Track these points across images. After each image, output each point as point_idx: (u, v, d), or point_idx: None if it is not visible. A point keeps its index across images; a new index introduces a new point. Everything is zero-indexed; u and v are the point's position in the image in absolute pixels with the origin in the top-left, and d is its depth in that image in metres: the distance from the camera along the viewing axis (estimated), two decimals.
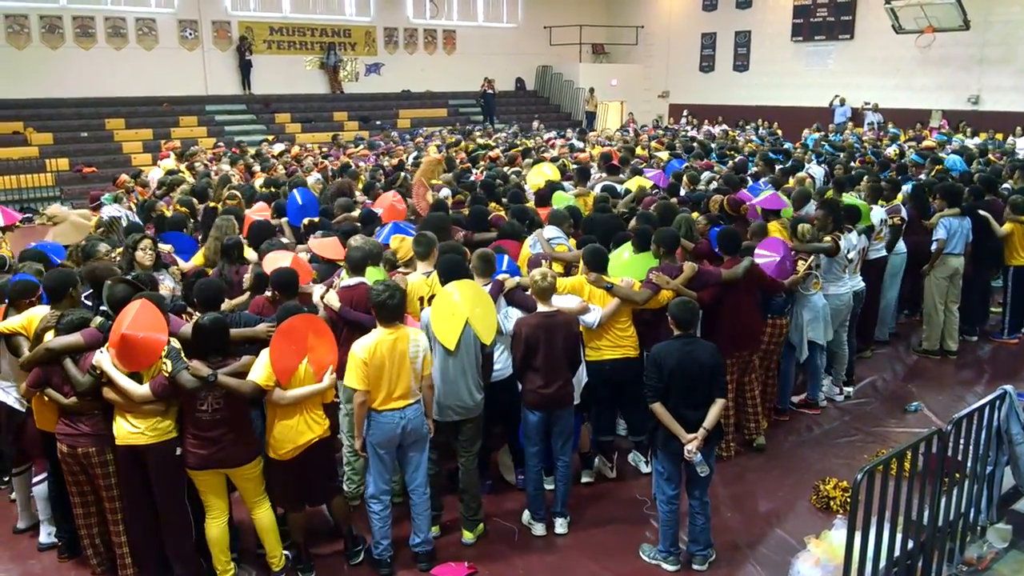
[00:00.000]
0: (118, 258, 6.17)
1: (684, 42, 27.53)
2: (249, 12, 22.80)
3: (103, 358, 4.42)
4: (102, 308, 5.07)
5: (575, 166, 11.81)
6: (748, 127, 21.70)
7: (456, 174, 11.26)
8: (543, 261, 6.06)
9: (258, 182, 11.06)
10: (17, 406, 5.05)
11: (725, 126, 21.99)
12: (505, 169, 11.89)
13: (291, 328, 4.57)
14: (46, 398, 4.60)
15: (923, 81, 21.56)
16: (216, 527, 4.65)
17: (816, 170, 11.52)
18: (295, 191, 8.42)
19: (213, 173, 11.74)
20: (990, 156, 13.51)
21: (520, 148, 14.64)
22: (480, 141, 17.23)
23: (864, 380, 7.86)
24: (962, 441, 4.60)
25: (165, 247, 6.77)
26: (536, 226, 7.02)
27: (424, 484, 4.92)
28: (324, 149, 16.71)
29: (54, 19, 19.93)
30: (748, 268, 6.05)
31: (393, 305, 4.63)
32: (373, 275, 5.55)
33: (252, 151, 15.30)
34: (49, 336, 4.61)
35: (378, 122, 22.12)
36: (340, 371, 4.80)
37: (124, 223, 8.06)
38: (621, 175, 10.53)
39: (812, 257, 6.64)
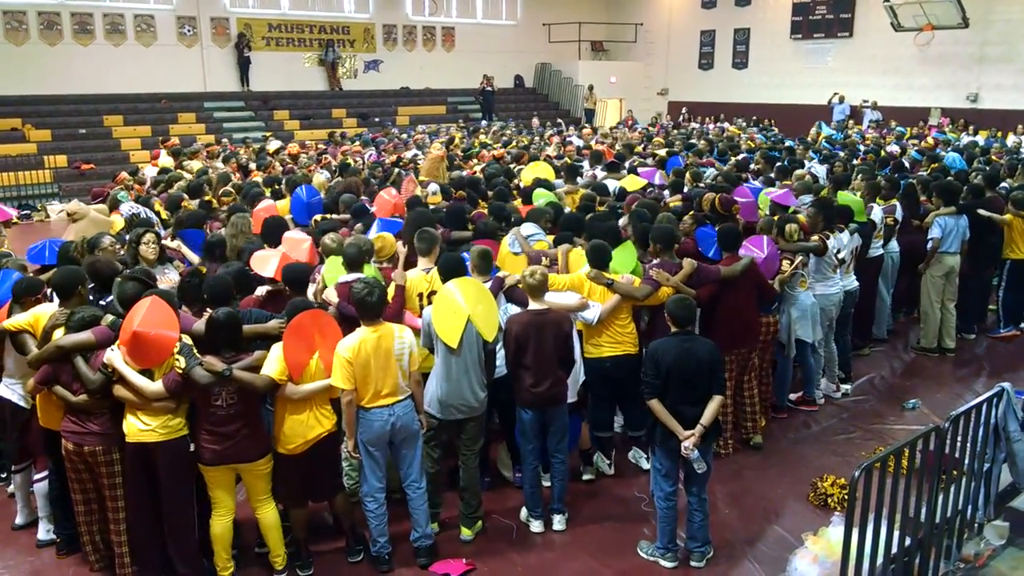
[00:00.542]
0: (123, 252, 6.17)
1: (683, 39, 27.54)
2: (248, 8, 22.79)
3: (114, 356, 4.42)
4: (102, 302, 5.07)
5: (575, 161, 11.83)
6: (739, 121, 21.69)
7: (454, 171, 11.27)
8: (542, 258, 6.06)
9: (256, 180, 11.04)
10: (22, 403, 5.05)
11: (725, 124, 21.97)
12: (512, 167, 11.88)
13: (302, 323, 4.61)
14: (53, 395, 4.60)
15: (922, 79, 21.58)
16: (221, 524, 4.66)
17: (817, 168, 11.51)
18: (300, 188, 8.40)
19: (210, 171, 11.70)
20: (992, 156, 13.51)
21: (516, 145, 14.62)
22: (483, 139, 17.22)
23: (862, 377, 7.87)
24: (960, 438, 4.60)
25: (172, 244, 6.75)
26: (518, 224, 6.96)
27: (419, 479, 4.92)
28: (321, 146, 16.70)
29: (52, 15, 19.90)
30: (747, 266, 6.06)
31: (372, 303, 4.62)
32: (365, 272, 5.54)
33: (251, 148, 15.27)
34: (58, 334, 4.61)
35: (377, 119, 22.10)
36: None
37: (143, 218, 8.07)
38: (621, 172, 10.51)
39: (799, 257, 6.64)
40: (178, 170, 11.46)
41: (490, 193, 8.68)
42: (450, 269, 5.27)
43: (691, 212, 7.40)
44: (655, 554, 5.00)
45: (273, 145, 14.31)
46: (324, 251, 5.96)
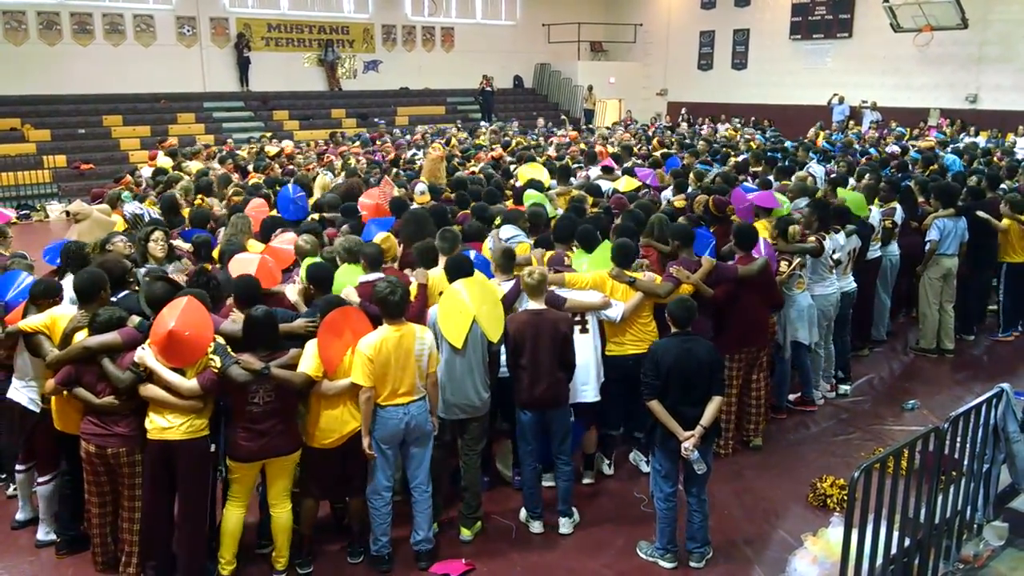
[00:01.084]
0: (133, 251, 6.18)
1: (682, 40, 27.53)
2: (247, 9, 22.78)
3: (146, 354, 4.45)
4: (113, 300, 5.07)
5: (575, 164, 11.82)
6: (736, 122, 21.69)
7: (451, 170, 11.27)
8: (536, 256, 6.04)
9: (251, 182, 11.03)
10: (32, 407, 5.02)
11: (727, 125, 21.95)
12: (512, 167, 11.88)
13: (336, 320, 4.66)
14: (72, 398, 4.58)
15: (921, 80, 21.58)
16: (235, 516, 4.69)
17: (816, 169, 11.52)
18: (286, 186, 8.41)
19: (210, 173, 11.69)
20: (993, 157, 13.51)
21: (507, 145, 14.62)
22: (481, 139, 17.22)
23: (861, 378, 7.88)
24: (959, 439, 4.61)
25: (185, 245, 6.75)
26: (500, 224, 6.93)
27: (426, 482, 4.93)
28: (321, 146, 16.69)
29: (52, 15, 19.89)
30: (763, 267, 6.08)
31: (395, 302, 4.66)
32: (353, 272, 5.55)
33: (247, 149, 15.25)
34: (80, 336, 4.60)
35: (376, 119, 22.11)
36: None
37: (146, 219, 8.06)
38: (616, 173, 10.51)
39: (797, 259, 6.64)
40: (176, 171, 11.44)
41: (482, 193, 8.68)
42: (456, 269, 5.28)
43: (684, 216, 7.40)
44: (654, 555, 5.00)
45: (272, 149, 14.28)
46: (298, 253, 5.96)
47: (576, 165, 11.99)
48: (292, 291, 5.45)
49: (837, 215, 7.29)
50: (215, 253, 6.43)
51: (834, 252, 7.01)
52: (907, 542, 4.38)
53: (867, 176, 9.76)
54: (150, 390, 4.46)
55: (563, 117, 22.94)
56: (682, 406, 4.73)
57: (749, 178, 10.08)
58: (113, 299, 5.09)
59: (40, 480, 5.17)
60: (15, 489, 5.55)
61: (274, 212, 8.07)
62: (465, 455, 5.23)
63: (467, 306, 5.00)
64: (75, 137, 19.56)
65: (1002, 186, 9.99)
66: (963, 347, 8.82)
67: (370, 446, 4.75)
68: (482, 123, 22.30)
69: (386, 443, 4.77)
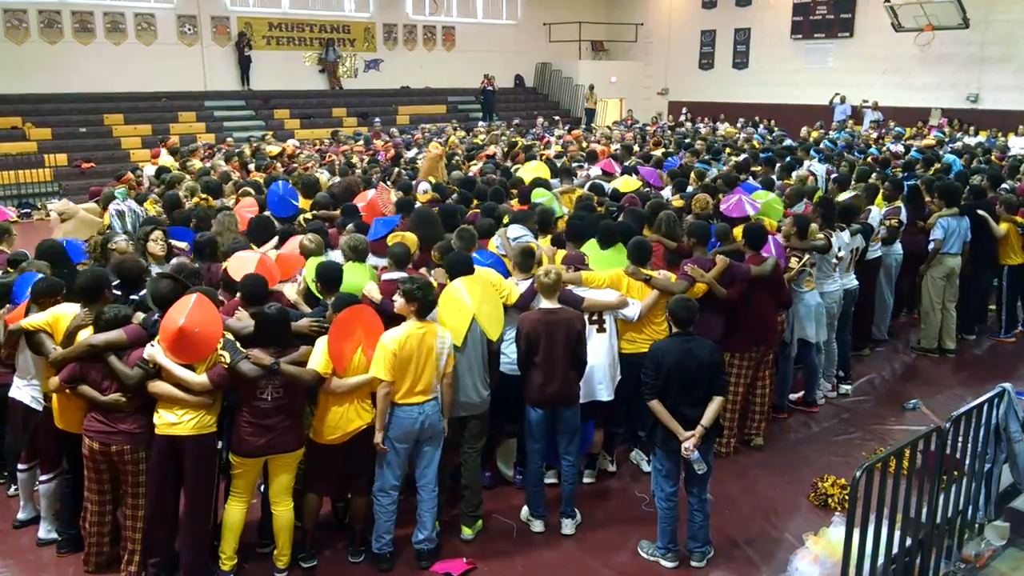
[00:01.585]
0: (131, 250, 6.19)
1: (684, 39, 27.54)
2: (248, 8, 22.77)
3: (156, 351, 4.46)
4: (131, 298, 5.08)
5: (573, 164, 11.81)
6: (740, 122, 21.70)
7: (452, 170, 11.25)
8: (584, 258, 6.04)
9: (257, 179, 11.04)
10: (34, 405, 5.03)
11: (726, 124, 21.96)
12: (507, 164, 11.87)
13: (347, 318, 4.68)
14: (77, 395, 4.59)
15: (922, 79, 21.59)
16: (237, 511, 4.70)
17: (818, 168, 11.52)
18: (275, 184, 8.40)
19: (211, 171, 11.70)
20: (992, 156, 13.51)
21: (513, 146, 14.61)
22: (480, 138, 17.21)
23: (862, 378, 7.88)
24: (960, 439, 4.61)
25: (181, 244, 6.76)
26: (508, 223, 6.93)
27: (434, 481, 4.94)
28: (321, 145, 16.69)
29: (53, 14, 19.88)
30: (775, 266, 6.10)
31: (430, 302, 4.74)
32: (359, 271, 5.55)
33: (248, 148, 15.27)
34: (83, 334, 4.61)
35: (376, 119, 22.10)
36: None
37: (129, 218, 8.07)
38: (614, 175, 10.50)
39: (806, 255, 6.65)
40: (180, 171, 11.44)
41: (488, 191, 8.68)
42: (457, 267, 5.29)
43: (692, 212, 7.42)
44: (656, 554, 5.00)
45: (275, 148, 14.27)
46: (304, 252, 5.95)
47: (576, 164, 11.98)
48: (291, 290, 5.46)
49: (842, 213, 7.29)
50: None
51: (839, 250, 7.02)
52: (909, 542, 4.38)
53: (873, 176, 9.76)
54: (159, 386, 4.48)
55: (556, 118, 22.83)
56: (683, 406, 4.73)
57: (750, 177, 10.08)
58: (134, 297, 5.13)
59: (42, 479, 5.17)
60: (16, 489, 5.55)
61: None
62: (465, 453, 5.23)
63: (467, 304, 5.00)
64: (76, 136, 19.55)
65: (1004, 185, 9.99)
66: (964, 347, 8.82)
67: (383, 441, 4.76)
68: (480, 123, 22.29)
69: (400, 442, 4.79)
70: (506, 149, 14.06)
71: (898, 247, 8.45)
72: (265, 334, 4.62)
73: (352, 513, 5.12)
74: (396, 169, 11.62)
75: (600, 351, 5.46)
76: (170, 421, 4.48)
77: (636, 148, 14.62)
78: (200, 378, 4.46)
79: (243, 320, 4.84)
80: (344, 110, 23.50)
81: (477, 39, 26.84)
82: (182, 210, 7.96)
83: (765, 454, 6.39)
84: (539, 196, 7.94)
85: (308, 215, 7.76)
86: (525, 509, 5.42)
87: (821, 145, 14.72)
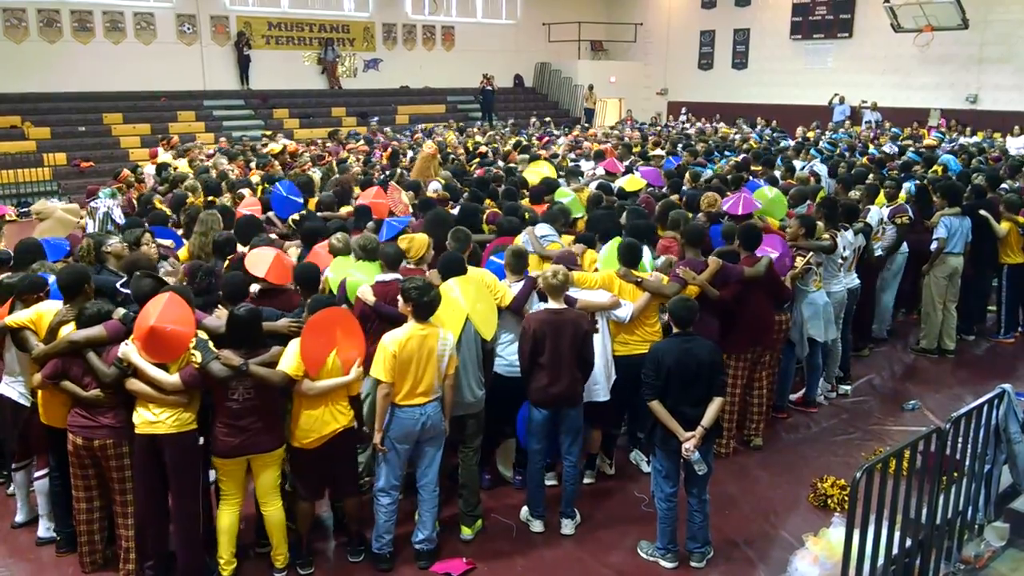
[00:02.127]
0: (127, 252, 6.17)
1: (683, 39, 27.52)
2: (247, 7, 22.75)
3: (130, 350, 4.45)
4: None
5: (572, 163, 11.82)
6: (739, 121, 21.71)
7: (453, 169, 11.24)
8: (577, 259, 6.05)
9: (254, 179, 11.04)
10: (22, 401, 5.04)
11: (722, 123, 21.99)
12: (500, 163, 11.87)
13: (321, 320, 4.63)
14: (60, 391, 4.59)
15: (922, 80, 21.58)
16: (229, 515, 4.69)
17: (820, 168, 11.53)
18: (278, 184, 8.40)
19: (211, 169, 11.70)
20: (988, 156, 13.52)
21: (516, 145, 14.61)
22: (477, 139, 17.21)
23: (862, 378, 7.88)
24: (960, 440, 4.60)
25: (165, 241, 6.77)
26: (533, 223, 7.00)
27: (435, 482, 4.93)
28: (323, 144, 16.68)
29: (52, 13, 19.86)
30: (769, 266, 6.07)
31: (430, 304, 4.68)
32: (369, 270, 5.54)
33: (250, 145, 15.27)
34: (66, 330, 4.61)
35: (374, 118, 22.11)
36: (368, 364, 4.82)
37: (100, 220, 8.07)
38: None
39: (811, 254, 6.65)
40: (182, 170, 11.45)
41: (500, 190, 8.71)
42: (450, 267, 5.27)
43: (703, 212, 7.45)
44: (655, 554, 5.00)
45: (276, 146, 14.25)
46: (331, 251, 5.95)
47: (574, 164, 11.99)
48: None
49: (845, 213, 7.29)
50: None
51: (844, 250, 7.02)
52: (908, 542, 4.38)
53: (870, 177, 9.76)
54: (135, 384, 4.47)
55: (547, 119, 22.76)
56: (683, 406, 4.73)
57: (751, 176, 10.09)
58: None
59: (37, 475, 5.18)
60: (15, 488, 5.54)
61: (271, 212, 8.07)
62: (462, 453, 5.23)
63: (460, 304, 4.99)
64: (75, 135, 19.52)
65: (1003, 186, 9.99)
66: (963, 347, 8.82)
67: (382, 441, 4.75)
68: (475, 124, 22.28)
69: (400, 442, 4.77)
70: (508, 149, 14.07)
71: (903, 245, 8.43)
72: (234, 335, 4.56)
73: (346, 514, 5.11)
74: (398, 170, 11.60)
75: (595, 352, 5.44)
76: (148, 419, 4.46)
77: (636, 147, 14.63)
78: (172, 378, 4.43)
79: (222, 319, 4.80)
80: (343, 110, 23.49)
81: (476, 39, 26.83)
82: (159, 210, 7.97)
83: (765, 454, 6.39)
84: (562, 196, 7.98)
85: (297, 216, 7.75)
86: (524, 509, 5.42)
87: (820, 145, 14.73)
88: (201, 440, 4.66)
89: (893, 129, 18.84)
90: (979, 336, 9.13)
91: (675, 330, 4.87)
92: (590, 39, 28.43)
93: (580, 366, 5.14)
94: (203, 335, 4.58)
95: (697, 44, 27.26)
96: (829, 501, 5.61)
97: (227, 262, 6.05)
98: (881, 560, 4.17)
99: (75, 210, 8.91)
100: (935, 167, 11.86)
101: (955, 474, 4.67)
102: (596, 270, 5.91)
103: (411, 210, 8.08)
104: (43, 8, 19.72)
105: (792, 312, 6.67)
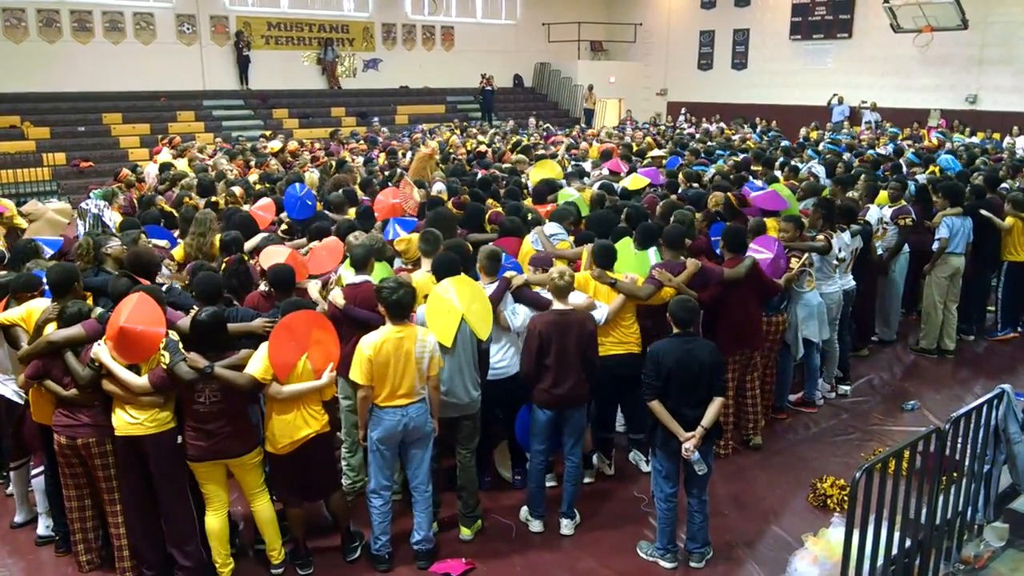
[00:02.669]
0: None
1: (682, 40, 27.52)
2: (247, 7, 22.75)
3: (101, 351, 4.43)
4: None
5: (572, 163, 11.81)
6: (736, 120, 21.71)
7: (452, 169, 11.24)
8: (553, 260, 6.04)
9: (252, 178, 11.05)
10: (16, 399, 5.06)
11: (723, 124, 22.00)
12: (498, 164, 11.87)
13: (291, 323, 4.58)
14: (44, 390, 4.60)
15: (921, 80, 21.58)
16: (216, 520, 4.67)
17: (818, 168, 11.52)
18: (292, 185, 8.39)
19: (210, 168, 11.70)
20: (991, 158, 13.51)
21: (517, 145, 14.59)
22: (480, 138, 17.20)
23: (861, 378, 7.87)
24: (960, 440, 4.60)
25: (160, 242, 6.76)
26: (536, 223, 7.01)
27: (426, 482, 4.92)
28: (323, 145, 16.67)
29: (52, 13, 19.85)
30: (750, 267, 6.04)
31: (396, 301, 4.62)
32: (380, 271, 5.54)
33: (248, 145, 15.27)
34: (50, 328, 4.62)
35: (374, 118, 22.09)
36: (342, 368, 4.80)
37: (90, 220, 8.07)
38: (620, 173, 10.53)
39: (805, 255, 6.64)
40: (182, 169, 11.45)
41: (501, 191, 8.71)
42: (445, 268, 5.26)
43: (703, 212, 7.44)
44: (655, 555, 5.00)
45: (276, 144, 14.24)
46: (348, 251, 5.93)
47: (575, 164, 11.98)
48: (314, 288, 5.45)
49: (842, 214, 7.28)
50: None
51: (839, 251, 7.01)
52: (908, 543, 4.37)
53: (864, 177, 9.75)
54: (109, 385, 4.46)
55: (541, 122, 22.72)
56: (683, 407, 4.72)
57: (751, 176, 10.08)
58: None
59: (34, 472, 5.18)
60: (12, 487, 5.54)
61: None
62: (460, 454, 5.23)
63: (455, 305, 4.98)
64: (75, 135, 19.51)
65: (1003, 186, 9.99)
66: (963, 347, 8.81)
67: (364, 439, 4.76)
68: (477, 123, 22.26)
69: (383, 443, 4.75)
70: (506, 149, 14.07)
71: (906, 246, 8.42)
72: (197, 339, 4.51)
73: (332, 514, 5.10)
74: (397, 170, 11.60)
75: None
76: (127, 421, 4.44)
77: (635, 147, 14.63)
78: (141, 380, 4.40)
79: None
80: (343, 110, 23.48)
81: (476, 39, 26.83)
82: (151, 211, 7.98)
83: (764, 455, 6.39)
84: (565, 196, 7.98)
85: (285, 217, 7.76)
86: (524, 509, 5.42)
87: (820, 147, 14.72)
88: (180, 439, 4.62)
89: (892, 129, 18.83)
90: (979, 336, 9.13)
91: (675, 330, 4.86)
92: (590, 39, 28.42)
93: (585, 366, 5.13)
94: (175, 336, 4.53)
95: (697, 44, 27.26)
96: (828, 501, 5.61)
97: (224, 264, 6.04)
98: (880, 560, 4.16)
99: (66, 211, 8.91)
100: (932, 167, 11.85)
101: (955, 474, 4.67)
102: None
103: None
104: (43, 8, 19.71)
105: (787, 313, 6.66)
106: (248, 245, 6.48)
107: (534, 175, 9.84)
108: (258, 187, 9.93)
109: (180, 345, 4.48)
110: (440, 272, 5.25)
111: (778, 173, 10.58)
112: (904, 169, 11.81)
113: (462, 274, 5.24)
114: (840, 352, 7.51)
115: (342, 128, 20.93)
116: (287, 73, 23.43)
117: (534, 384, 5.12)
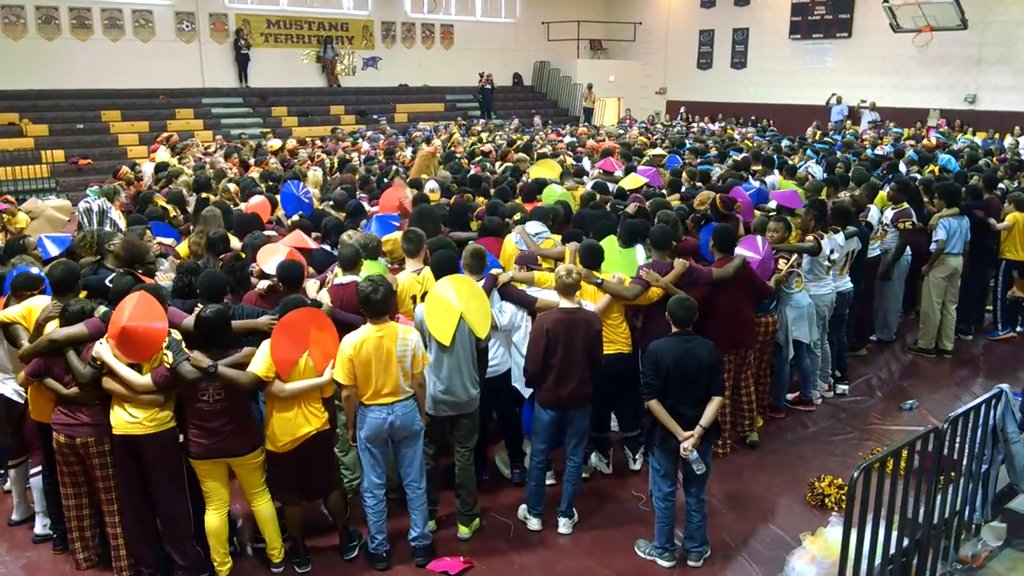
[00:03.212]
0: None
1: (682, 39, 27.54)
2: (246, 5, 22.74)
3: (103, 349, 4.43)
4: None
5: (573, 163, 11.82)
6: (733, 119, 21.73)
7: (451, 167, 11.23)
8: (538, 258, 6.05)
9: (253, 175, 11.03)
10: (16, 397, 5.05)
11: (711, 125, 22.00)
12: (499, 164, 11.87)
13: (293, 321, 4.58)
14: (44, 388, 4.59)
15: (921, 80, 21.61)
16: (216, 518, 4.66)
17: (815, 169, 11.52)
18: (289, 182, 8.40)
19: (208, 166, 11.70)
20: (994, 158, 13.52)
21: (518, 144, 14.59)
22: (483, 136, 17.19)
23: (860, 378, 7.87)
24: (958, 440, 4.61)
25: (166, 240, 6.77)
26: (519, 222, 6.96)
27: (419, 479, 4.91)
28: (322, 143, 16.67)
29: (50, 10, 19.83)
30: (739, 267, 6.01)
31: (377, 300, 4.59)
32: (373, 269, 5.53)
33: (251, 143, 15.25)
34: (51, 326, 4.61)
35: (375, 116, 22.08)
36: None
37: (96, 217, 8.07)
38: (616, 172, 10.52)
39: (793, 256, 6.63)
40: (178, 166, 11.44)
41: (492, 191, 8.69)
42: (443, 267, 5.26)
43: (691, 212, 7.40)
44: (652, 553, 5.00)
45: (275, 143, 14.24)
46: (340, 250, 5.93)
47: (574, 164, 11.99)
48: (312, 287, 5.44)
49: (836, 215, 7.26)
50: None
51: (832, 252, 6.98)
52: (906, 542, 4.38)
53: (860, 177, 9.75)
54: (110, 384, 4.45)
55: (543, 120, 22.75)
56: (681, 406, 4.72)
57: (751, 177, 10.08)
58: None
59: (33, 471, 5.17)
60: (11, 485, 5.54)
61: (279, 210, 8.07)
62: (458, 452, 5.23)
63: (453, 304, 4.98)
64: (73, 132, 19.50)
65: (1000, 186, 10.00)
66: (961, 347, 8.82)
67: (353, 438, 4.78)
68: (480, 120, 22.27)
69: (372, 442, 4.75)
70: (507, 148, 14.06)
71: (908, 249, 8.41)
72: (201, 336, 4.51)
73: (330, 512, 5.10)
74: (394, 167, 11.59)
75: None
76: (126, 420, 4.43)
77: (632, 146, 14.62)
78: (143, 379, 4.40)
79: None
80: (342, 108, 23.47)
81: (475, 37, 26.83)
82: (155, 207, 7.97)
83: (762, 454, 6.39)
84: (552, 195, 7.97)
85: (295, 217, 7.74)
86: (523, 507, 5.42)
87: (816, 145, 14.72)
88: (181, 437, 4.62)
89: (895, 129, 18.82)
90: (977, 336, 9.13)
91: (674, 329, 4.86)
92: (589, 38, 28.45)
93: (591, 366, 5.12)
94: (177, 335, 4.53)
95: (696, 43, 27.28)
96: (826, 500, 5.61)
97: (221, 261, 6.04)
98: (878, 559, 4.17)
99: (66, 208, 8.94)
100: (931, 167, 11.86)
101: (952, 474, 4.68)
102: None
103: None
104: (41, 5, 19.68)
105: (777, 314, 6.66)
106: (237, 244, 6.46)
107: (535, 174, 9.83)
108: (260, 185, 9.91)
109: (182, 344, 4.48)
110: (439, 271, 5.24)
111: (776, 173, 10.56)
112: (904, 169, 11.82)
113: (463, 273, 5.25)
114: (838, 352, 7.51)
115: (344, 128, 20.89)
116: (286, 71, 23.42)
117: (539, 384, 5.11)
